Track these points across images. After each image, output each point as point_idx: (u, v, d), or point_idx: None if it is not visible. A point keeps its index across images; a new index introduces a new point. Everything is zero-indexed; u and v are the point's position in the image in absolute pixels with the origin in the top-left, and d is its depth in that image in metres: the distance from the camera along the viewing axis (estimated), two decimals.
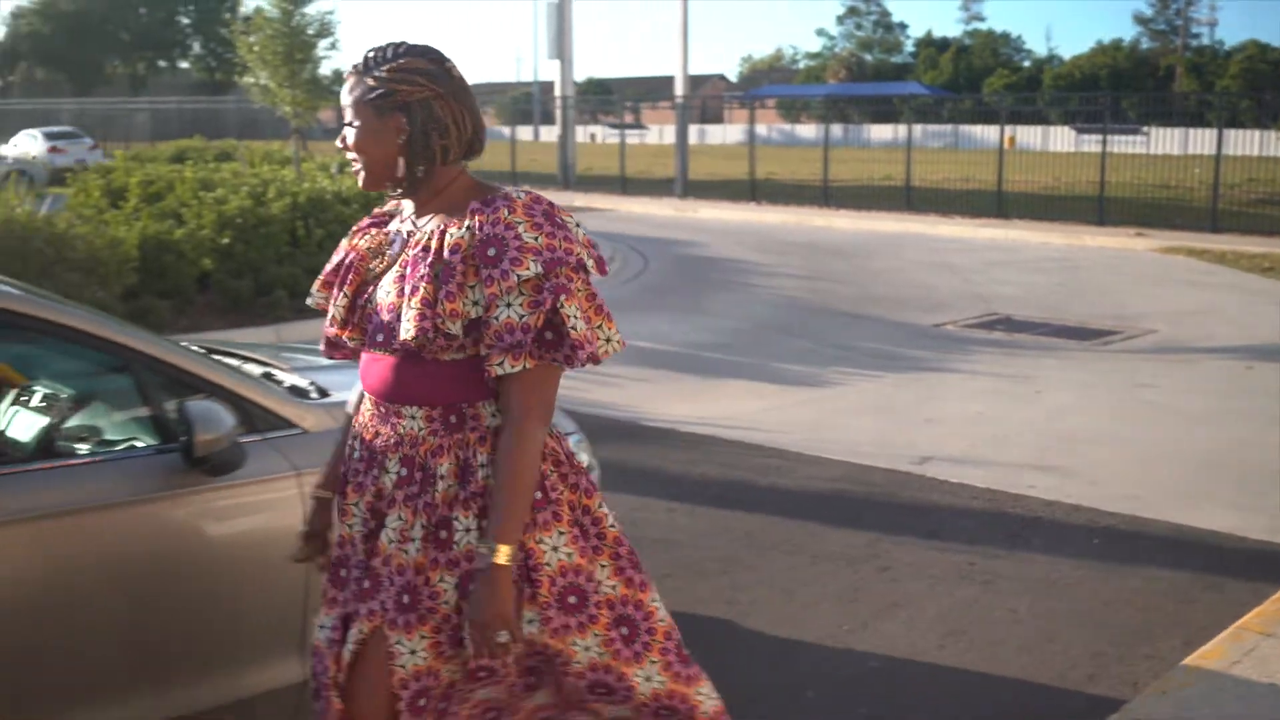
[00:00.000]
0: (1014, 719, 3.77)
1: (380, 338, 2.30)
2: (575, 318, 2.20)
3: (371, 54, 2.32)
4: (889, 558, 5.06)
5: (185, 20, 76.33)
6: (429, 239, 2.27)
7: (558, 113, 27.46)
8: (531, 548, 2.27)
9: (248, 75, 19.69)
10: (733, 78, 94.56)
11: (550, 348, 2.22)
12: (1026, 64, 76.74)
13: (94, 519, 2.81)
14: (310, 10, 18.75)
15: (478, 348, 2.24)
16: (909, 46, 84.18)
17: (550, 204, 2.27)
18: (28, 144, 29.84)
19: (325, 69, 19.70)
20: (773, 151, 34.53)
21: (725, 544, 5.22)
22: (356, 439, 2.42)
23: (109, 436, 3.08)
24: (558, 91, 27.33)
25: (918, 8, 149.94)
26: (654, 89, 71.99)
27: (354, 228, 2.51)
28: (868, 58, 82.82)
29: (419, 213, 2.36)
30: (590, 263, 2.26)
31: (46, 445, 3.05)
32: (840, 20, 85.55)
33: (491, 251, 2.18)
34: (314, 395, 3.37)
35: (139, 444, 3.01)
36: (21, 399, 3.26)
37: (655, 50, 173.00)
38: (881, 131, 49.68)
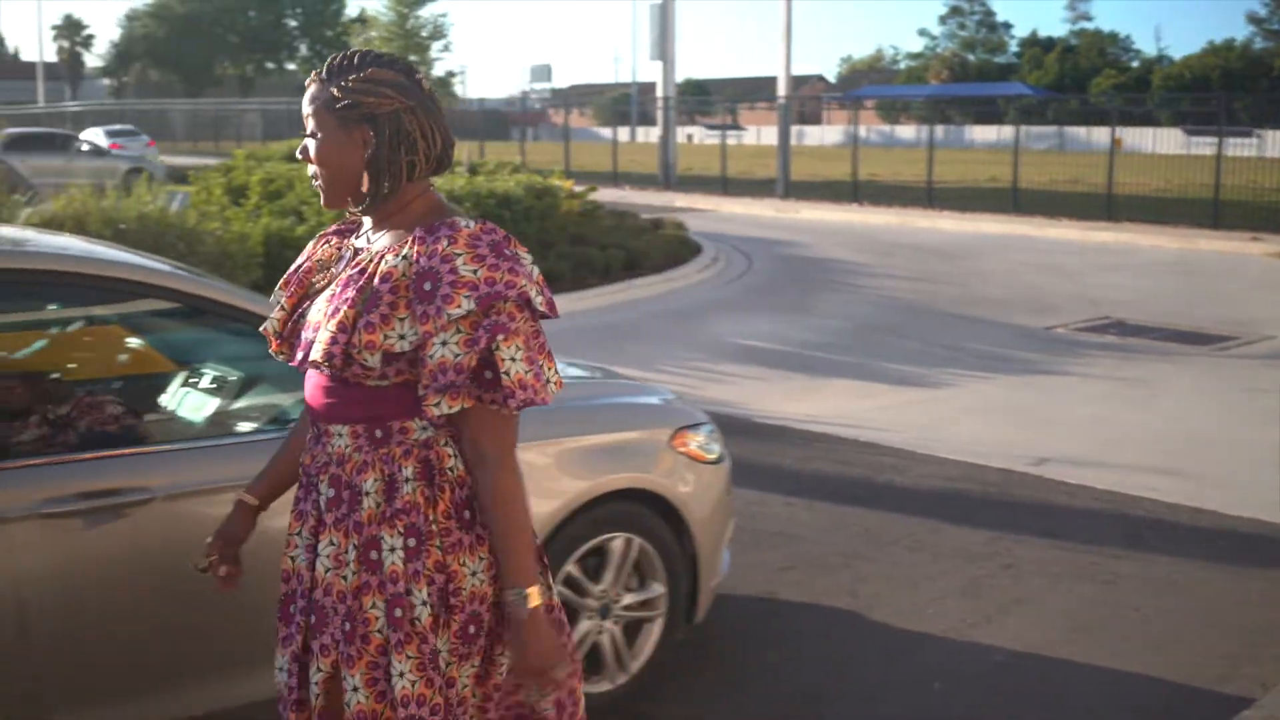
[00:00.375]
0: (1145, 715, 3.79)
1: (300, 356, 2.20)
2: (513, 359, 2.06)
3: (336, 61, 2.19)
4: (1010, 555, 5.08)
5: (292, 23, 78.21)
6: (367, 262, 2.16)
7: (659, 113, 27.61)
8: (455, 569, 2.14)
9: None
10: (831, 78, 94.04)
11: (490, 387, 2.09)
12: (1135, 64, 75.08)
13: None
14: (424, 13, 19.17)
15: (401, 378, 2.13)
16: (1013, 46, 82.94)
17: (503, 235, 2.12)
18: (93, 139, 31.56)
19: (438, 70, 20.08)
20: (872, 153, 34.25)
21: (844, 539, 5.28)
22: (301, 465, 2.33)
23: (282, 415, 3.26)
24: (659, 92, 27.47)
25: (1022, 7, 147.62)
26: (750, 90, 71.83)
27: (320, 234, 2.40)
28: (971, 58, 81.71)
29: (375, 229, 2.23)
30: (540, 300, 2.12)
31: (220, 423, 3.26)
32: (943, 20, 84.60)
33: (427, 286, 2.06)
34: None
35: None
36: (191, 381, 3.47)
37: (752, 51, 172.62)
38: (984, 133, 48.96)
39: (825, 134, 56.12)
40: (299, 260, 2.35)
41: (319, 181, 2.20)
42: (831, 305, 12.05)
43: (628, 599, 3.66)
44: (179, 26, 72.26)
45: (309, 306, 2.25)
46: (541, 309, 2.12)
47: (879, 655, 4.15)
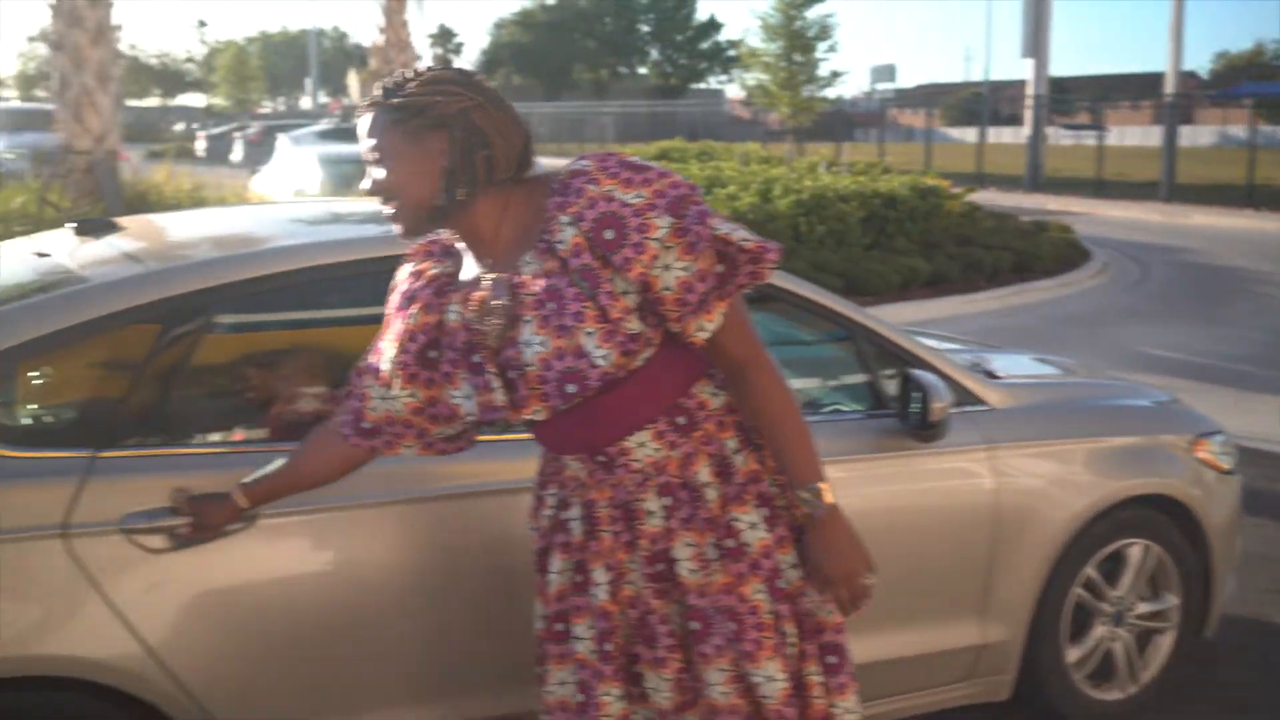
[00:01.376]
0: None
1: (572, 389, 1.95)
2: (734, 229, 1.98)
3: (391, 82, 1.99)
4: None
5: (645, 28, 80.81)
6: (543, 262, 1.94)
7: (1027, 112, 26.64)
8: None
9: (748, 76, 20.64)
10: (1203, 75, 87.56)
11: (727, 279, 1.99)
12: None
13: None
14: (811, 14, 19.46)
15: (658, 333, 1.99)
16: None
17: (619, 155, 1.98)
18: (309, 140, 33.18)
19: (822, 70, 20.29)
20: (1256, 154, 31.67)
21: None
22: (557, 501, 2.17)
23: (816, 399, 3.36)
24: (1029, 90, 26.50)
25: None
26: (1112, 88, 68.04)
27: (411, 298, 2.09)
28: None
29: (496, 245, 2.01)
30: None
31: None
32: None
33: (609, 234, 1.90)
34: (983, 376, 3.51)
35: (843, 408, 3.25)
36: None
37: (1112, 47, 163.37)
38: None
39: (1197, 134, 52.28)
40: (409, 341, 2.06)
41: (390, 211, 1.99)
42: (1246, 316, 11.23)
43: (1142, 608, 3.55)
44: (542, 33, 76.25)
45: (517, 358, 1.97)
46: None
47: None
